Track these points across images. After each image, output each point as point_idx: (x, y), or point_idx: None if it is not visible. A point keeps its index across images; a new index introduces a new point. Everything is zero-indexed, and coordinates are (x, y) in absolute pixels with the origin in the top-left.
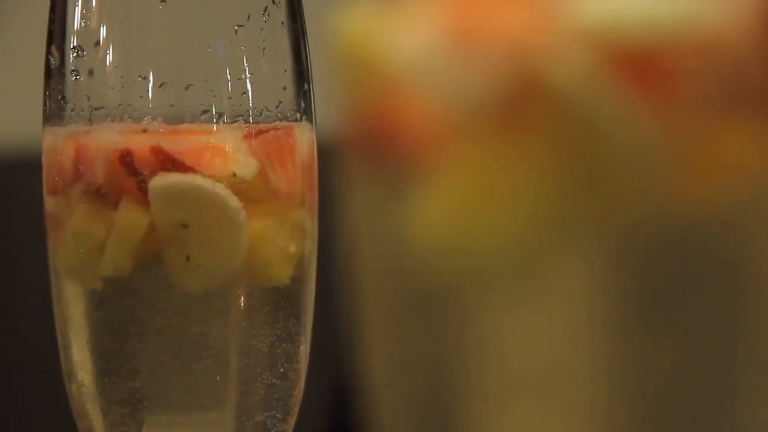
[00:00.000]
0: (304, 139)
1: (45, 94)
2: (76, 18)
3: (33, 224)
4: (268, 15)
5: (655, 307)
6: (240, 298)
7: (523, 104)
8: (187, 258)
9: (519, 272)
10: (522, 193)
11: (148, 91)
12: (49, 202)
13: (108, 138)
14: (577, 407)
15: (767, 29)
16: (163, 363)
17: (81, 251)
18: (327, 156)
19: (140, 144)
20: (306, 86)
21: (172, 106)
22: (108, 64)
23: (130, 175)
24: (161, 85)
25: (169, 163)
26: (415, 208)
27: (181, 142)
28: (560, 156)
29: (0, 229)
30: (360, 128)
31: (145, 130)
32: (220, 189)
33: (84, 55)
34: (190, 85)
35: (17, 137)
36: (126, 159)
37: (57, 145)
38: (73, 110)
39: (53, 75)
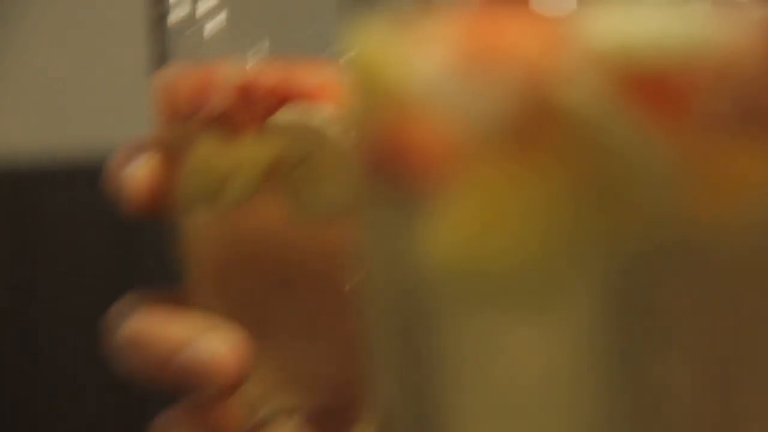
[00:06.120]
0: None
1: (152, 40)
2: None
3: (49, 235)
4: None
5: (669, 329)
6: None
7: (537, 127)
8: (306, 193)
9: (532, 294)
10: (536, 215)
11: (260, 35)
12: (165, 137)
13: (229, 72)
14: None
15: None
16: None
17: (201, 185)
18: None
19: (263, 78)
20: None
21: (288, 45)
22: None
23: (251, 109)
24: (275, 24)
25: (291, 97)
26: (428, 229)
27: (305, 77)
28: (574, 178)
29: (18, 240)
30: (374, 150)
31: (266, 66)
32: (342, 124)
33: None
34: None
35: (30, 151)
36: (248, 93)
37: (175, 81)
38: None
39: (161, 22)
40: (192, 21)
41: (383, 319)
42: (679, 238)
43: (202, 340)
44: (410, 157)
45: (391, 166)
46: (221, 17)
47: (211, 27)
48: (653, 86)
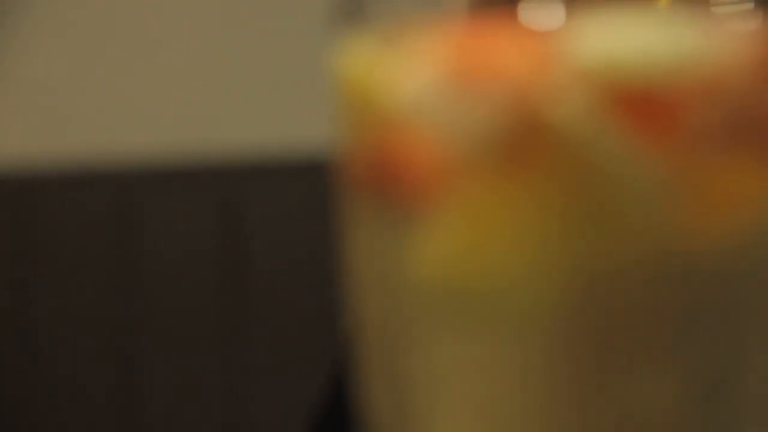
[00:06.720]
0: None
1: None
2: None
3: (49, 236)
4: None
5: (660, 341)
6: None
7: (526, 142)
8: None
9: (520, 312)
10: (525, 231)
11: None
12: None
13: None
14: None
15: None
16: None
17: None
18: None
19: None
20: None
21: None
22: None
23: None
24: None
25: None
26: (418, 245)
27: None
28: (563, 194)
29: (18, 240)
30: (363, 166)
31: None
32: None
33: None
34: None
35: (31, 153)
36: None
37: None
38: None
39: None
40: None
41: (372, 334)
42: (670, 251)
43: None
44: (399, 174)
45: (379, 183)
46: None
47: None
48: (641, 102)
